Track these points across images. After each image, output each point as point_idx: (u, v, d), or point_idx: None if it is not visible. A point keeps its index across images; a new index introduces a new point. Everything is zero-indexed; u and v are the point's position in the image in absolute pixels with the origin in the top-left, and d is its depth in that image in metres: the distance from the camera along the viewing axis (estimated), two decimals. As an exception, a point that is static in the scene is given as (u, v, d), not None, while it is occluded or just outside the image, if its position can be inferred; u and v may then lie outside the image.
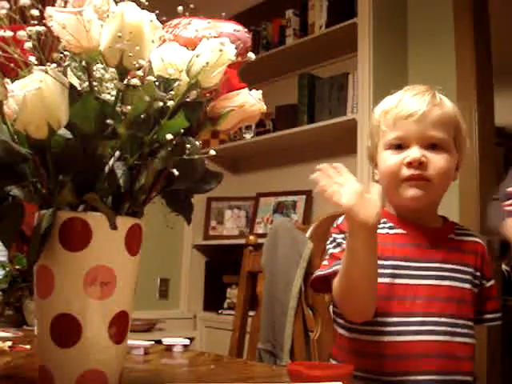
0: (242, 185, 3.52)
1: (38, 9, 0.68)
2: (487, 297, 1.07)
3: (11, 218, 0.72)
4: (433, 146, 1.03)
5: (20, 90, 0.66)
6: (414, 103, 1.04)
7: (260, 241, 1.75)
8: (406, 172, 1.02)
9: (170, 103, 0.71)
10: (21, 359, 1.02)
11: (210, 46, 0.74)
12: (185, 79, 0.74)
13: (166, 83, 0.73)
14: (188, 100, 0.75)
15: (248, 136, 3.28)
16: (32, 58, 0.68)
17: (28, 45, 0.67)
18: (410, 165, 1.02)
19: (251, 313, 1.73)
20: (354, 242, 0.91)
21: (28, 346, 1.13)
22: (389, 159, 1.05)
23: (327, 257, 1.05)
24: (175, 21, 0.84)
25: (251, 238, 1.72)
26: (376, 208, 0.90)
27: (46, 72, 0.67)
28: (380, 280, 0.98)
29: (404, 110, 1.03)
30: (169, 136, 0.70)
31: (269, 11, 3.24)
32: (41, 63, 0.69)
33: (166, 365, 1.12)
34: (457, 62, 2.50)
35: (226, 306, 3.26)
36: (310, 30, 2.99)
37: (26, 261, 2.00)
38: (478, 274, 1.05)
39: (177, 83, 0.73)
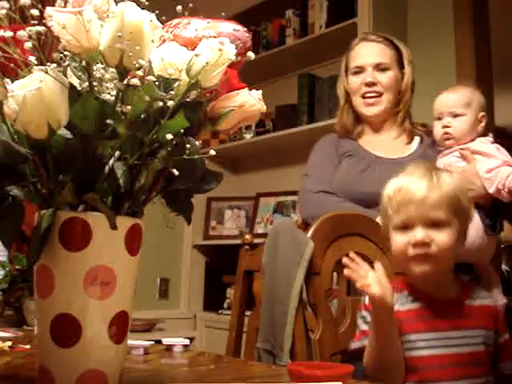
0: (242, 185, 3.52)
1: (37, 9, 0.68)
2: (501, 348, 1.16)
3: (11, 218, 0.72)
4: (435, 224, 1.14)
5: (20, 89, 0.66)
6: (414, 189, 1.16)
7: (258, 241, 1.75)
8: (412, 252, 1.15)
9: (170, 103, 0.71)
10: (21, 359, 1.02)
11: (210, 46, 0.74)
12: (185, 79, 0.74)
13: (166, 83, 0.73)
14: (188, 100, 0.75)
15: (248, 136, 3.28)
16: (32, 58, 0.68)
17: (28, 45, 0.67)
18: (415, 245, 1.14)
19: (248, 312, 1.73)
20: (376, 316, 1.09)
21: (28, 346, 1.13)
22: (397, 241, 1.18)
23: (359, 331, 1.21)
24: (175, 21, 0.84)
25: (247, 237, 1.71)
26: (389, 289, 1.07)
27: (46, 72, 0.67)
28: (412, 353, 1.11)
29: (406, 197, 1.16)
30: (169, 136, 0.70)
31: (269, 11, 3.24)
32: (41, 63, 0.69)
33: (166, 365, 1.12)
34: (457, 62, 2.50)
35: (225, 305, 3.26)
36: (309, 29, 2.98)
37: (26, 261, 2.00)
38: (493, 334, 1.15)
39: (177, 83, 0.73)
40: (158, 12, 0.72)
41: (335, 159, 1.78)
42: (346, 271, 1.10)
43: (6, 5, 0.69)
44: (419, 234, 1.12)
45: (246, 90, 0.80)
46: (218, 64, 0.74)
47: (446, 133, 1.61)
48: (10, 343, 1.12)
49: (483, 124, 1.63)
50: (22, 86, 0.66)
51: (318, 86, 2.97)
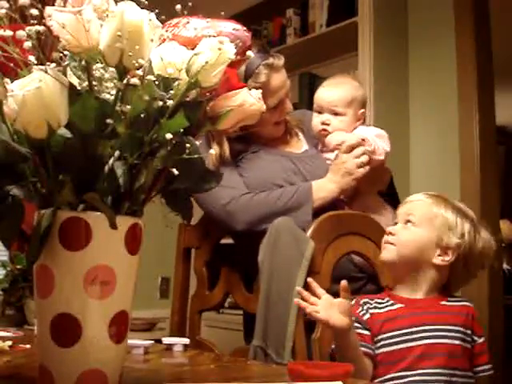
0: (243, 184, 3.50)
1: (37, 8, 0.68)
2: (479, 352, 1.23)
3: (11, 218, 0.72)
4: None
5: (19, 89, 0.66)
6: None
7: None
8: None
9: (170, 102, 0.71)
10: (21, 359, 1.02)
11: (210, 46, 0.74)
12: (184, 78, 0.74)
13: (166, 82, 0.73)
14: (188, 99, 0.75)
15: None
16: (32, 58, 0.68)
17: (27, 44, 0.67)
18: None
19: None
20: (335, 340, 1.20)
21: (28, 346, 1.13)
22: None
23: None
24: (174, 20, 0.84)
25: None
26: (345, 314, 1.15)
27: (46, 72, 0.67)
28: (392, 348, 1.19)
29: None
30: (168, 135, 0.70)
31: (269, 10, 3.24)
32: (40, 63, 0.69)
33: (166, 364, 1.12)
34: (458, 60, 2.50)
35: (226, 305, 3.25)
36: (310, 29, 2.98)
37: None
38: (469, 331, 1.21)
39: (176, 83, 0.73)
40: (157, 11, 0.72)
41: (230, 160, 1.63)
42: (296, 300, 1.21)
43: (6, 4, 0.69)
44: None
45: (246, 89, 0.80)
46: (217, 63, 0.74)
47: (324, 129, 1.63)
48: (10, 343, 1.12)
49: (361, 121, 1.65)
50: (21, 85, 0.66)
51: (319, 85, 2.96)
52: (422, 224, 1.25)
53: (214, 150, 1.57)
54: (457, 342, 1.19)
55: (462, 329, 1.20)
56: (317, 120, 1.64)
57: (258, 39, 1.92)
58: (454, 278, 1.28)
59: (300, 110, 2.04)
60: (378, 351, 1.21)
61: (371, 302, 1.27)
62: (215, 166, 1.56)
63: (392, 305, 1.26)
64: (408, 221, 1.27)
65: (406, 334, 1.20)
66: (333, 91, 1.64)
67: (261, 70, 1.59)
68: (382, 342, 1.21)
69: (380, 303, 1.27)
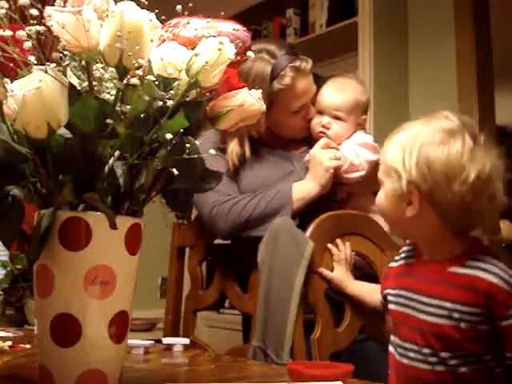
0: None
1: (37, 8, 0.68)
2: (504, 336, 0.97)
3: (11, 218, 0.72)
4: None
5: (19, 89, 0.66)
6: None
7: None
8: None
9: (170, 103, 0.71)
10: (21, 359, 1.02)
11: (210, 46, 0.74)
12: (184, 78, 0.74)
13: (166, 82, 0.73)
14: (188, 99, 0.75)
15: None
16: (32, 58, 0.69)
17: (27, 44, 0.67)
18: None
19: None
20: None
21: (28, 346, 1.13)
22: None
23: None
24: (175, 20, 0.84)
25: None
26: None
27: (46, 72, 0.67)
28: (389, 306, 1.09)
29: None
30: (168, 135, 0.70)
31: (269, 10, 3.24)
32: (40, 63, 0.69)
33: (166, 364, 1.12)
34: (457, 61, 2.50)
35: (226, 305, 3.25)
36: (310, 29, 2.98)
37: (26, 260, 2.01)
38: (479, 310, 0.96)
39: (176, 83, 0.73)
40: (157, 11, 0.72)
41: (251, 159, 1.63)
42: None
43: (6, 4, 0.69)
44: None
45: (246, 89, 0.80)
46: (217, 63, 0.74)
47: (323, 132, 1.61)
48: (10, 343, 1.12)
49: (361, 127, 1.64)
50: (21, 85, 0.66)
51: (319, 84, 2.97)
52: (384, 179, 1.06)
53: (235, 150, 1.56)
54: (449, 321, 0.97)
55: (465, 308, 0.96)
56: (317, 121, 1.63)
57: (283, 41, 1.90)
58: (453, 224, 1.00)
59: None
60: None
61: (409, 249, 1.10)
62: (234, 166, 1.57)
63: (405, 259, 1.09)
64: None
65: (400, 296, 1.05)
66: (338, 96, 1.62)
67: (287, 72, 1.57)
68: (391, 298, 1.07)
69: (411, 251, 1.09)
